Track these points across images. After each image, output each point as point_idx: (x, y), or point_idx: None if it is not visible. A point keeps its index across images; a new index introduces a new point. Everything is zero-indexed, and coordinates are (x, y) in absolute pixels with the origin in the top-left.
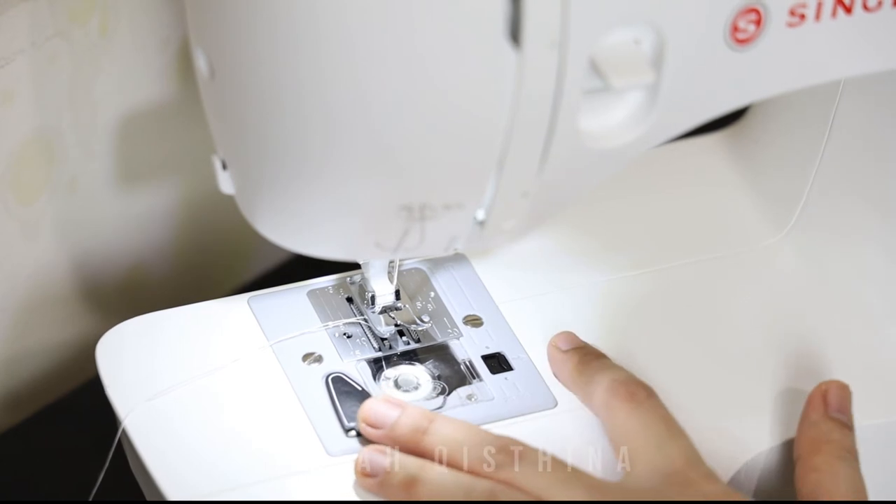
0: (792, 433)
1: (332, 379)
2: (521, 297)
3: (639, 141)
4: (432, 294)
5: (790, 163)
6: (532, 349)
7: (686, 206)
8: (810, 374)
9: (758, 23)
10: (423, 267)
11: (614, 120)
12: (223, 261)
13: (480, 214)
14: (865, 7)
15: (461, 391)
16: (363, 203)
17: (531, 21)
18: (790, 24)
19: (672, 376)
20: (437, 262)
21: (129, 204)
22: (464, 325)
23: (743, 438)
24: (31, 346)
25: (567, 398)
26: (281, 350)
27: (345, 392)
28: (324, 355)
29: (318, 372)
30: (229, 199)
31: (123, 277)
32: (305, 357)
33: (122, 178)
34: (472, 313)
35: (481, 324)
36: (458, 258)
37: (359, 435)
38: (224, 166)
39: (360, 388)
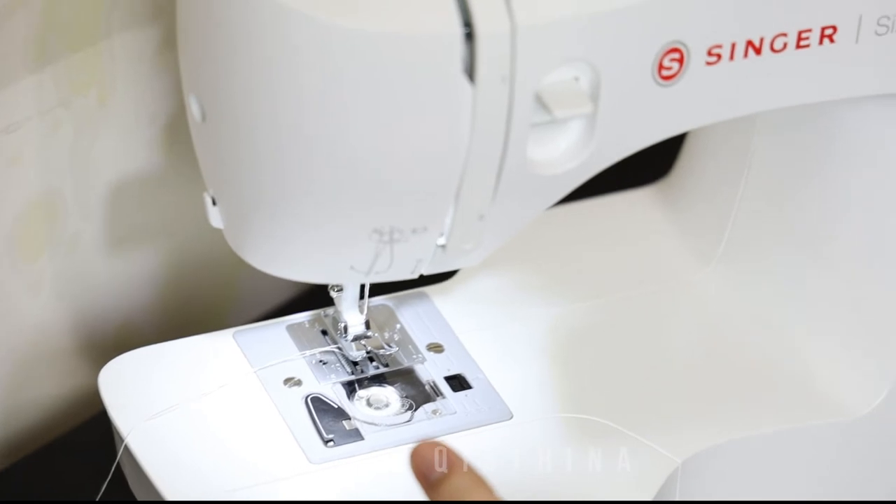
0: (723, 437)
1: (311, 399)
2: (478, 328)
3: (580, 168)
4: (398, 326)
5: (712, 208)
6: (489, 370)
7: (622, 249)
8: (738, 386)
9: (680, 61)
10: (389, 303)
11: (558, 150)
12: (205, 316)
13: (441, 239)
14: (772, 49)
15: (427, 407)
16: (340, 229)
17: (484, 59)
18: (708, 63)
19: (614, 393)
20: (402, 299)
21: (120, 263)
22: (427, 352)
23: (680, 445)
24: (30, 395)
25: (522, 411)
26: (264, 376)
27: (323, 410)
28: (303, 379)
29: (299, 393)
30: (211, 261)
31: (116, 332)
32: (286, 381)
33: (116, 238)
34: (434, 341)
35: (443, 350)
36: (421, 296)
37: (336, 445)
38: (214, 202)
39: (336, 406)
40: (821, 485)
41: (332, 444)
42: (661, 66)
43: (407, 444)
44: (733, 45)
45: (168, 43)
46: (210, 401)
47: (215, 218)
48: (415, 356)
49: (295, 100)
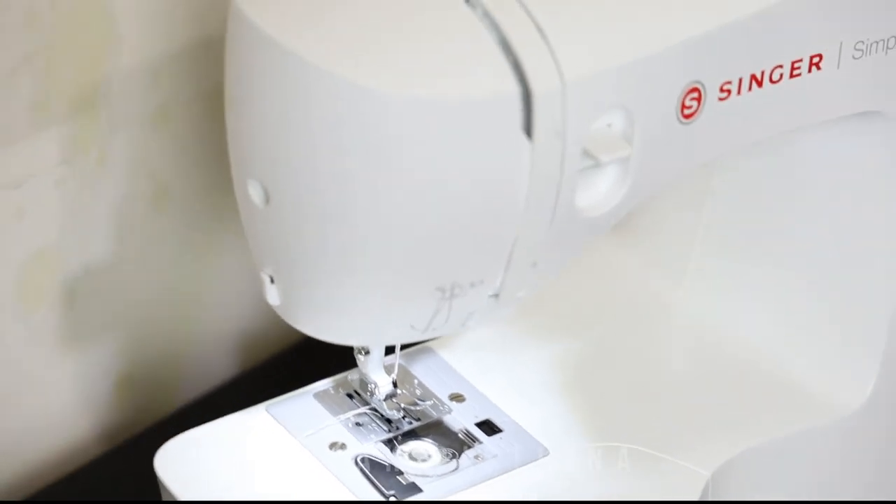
0: (741, 447)
1: (361, 459)
2: (488, 374)
3: (618, 207)
4: (416, 381)
5: (675, 234)
6: (511, 412)
7: (596, 284)
8: (738, 397)
9: (699, 99)
10: (401, 361)
11: (599, 193)
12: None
13: (493, 289)
14: (771, 80)
15: (468, 453)
16: (405, 292)
17: (541, 116)
18: (720, 99)
19: (630, 418)
20: (411, 356)
21: (117, 314)
22: (450, 402)
23: (704, 459)
24: (27, 441)
25: (555, 446)
26: (309, 444)
27: (375, 468)
28: (346, 443)
29: (346, 456)
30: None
31: (114, 382)
32: (331, 446)
33: (109, 294)
34: (454, 392)
35: (464, 399)
36: (426, 350)
37: (399, 500)
38: (272, 281)
39: (386, 464)
40: (839, 479)
41: (394, 498)
42: (683, 106)
43: (462, 490)
44: (740, 80)
45: (165, 109)
46: (268, 473)
47: (272, 296)
48: (441, 408)
49: (366, 171)
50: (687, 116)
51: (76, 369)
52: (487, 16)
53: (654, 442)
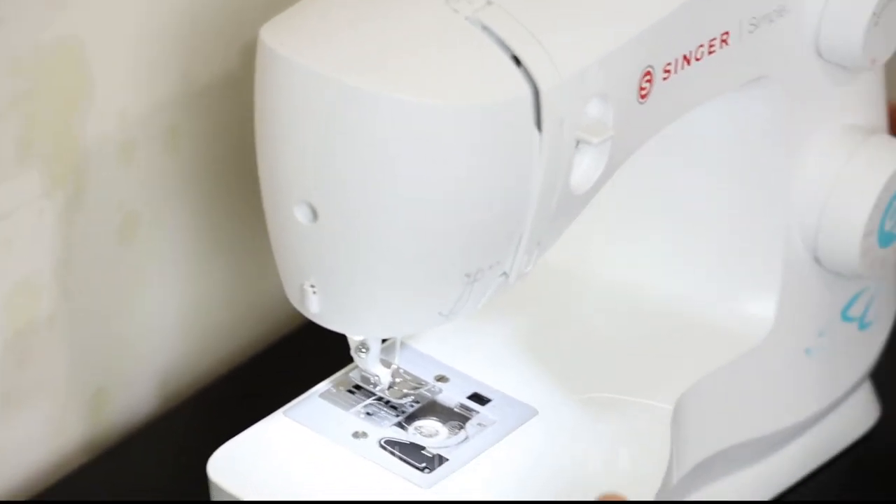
0: (688, 381)
1: (386, 442)
2: (459, 353)
3: (598, 182)
4: (401, 370)
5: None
6: (492, 383)
7: None
8: (665, 338)
9: (651, 81)
10: (382, 356)
11: (583, 172)
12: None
13: (506, 268)
14: (696, 58)
15: (472, 422)
16: (438, 282)
17: (548, 110)
18: (664, 79)
19: (588, 369)
20: (388, 350)
21: (93, 335)
22: (438, 383)
23: (661, 395)
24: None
25: (541, 405)
26: (336, 436)
27: (401, 447)
28: (366, 431)
29: (371, 442)
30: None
31: (88, 403)
32: (355, 435)
33: (91, 315)
34: (437, 374)
35: (448, 379)
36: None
37: (432, 470)
38: (314, 291)
39: (408, 442)
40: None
41: (428, 470)
42: (640, 88)
43: (482, 451)
44: (675, 61)
45: (130, 144)
46: (310, 470)
47: (313, 305)
48: (432, 388)
49: (403, 179)
50: (643, 97)
51: (58, 388)
52: (487, 28)
53: (617, 388)
